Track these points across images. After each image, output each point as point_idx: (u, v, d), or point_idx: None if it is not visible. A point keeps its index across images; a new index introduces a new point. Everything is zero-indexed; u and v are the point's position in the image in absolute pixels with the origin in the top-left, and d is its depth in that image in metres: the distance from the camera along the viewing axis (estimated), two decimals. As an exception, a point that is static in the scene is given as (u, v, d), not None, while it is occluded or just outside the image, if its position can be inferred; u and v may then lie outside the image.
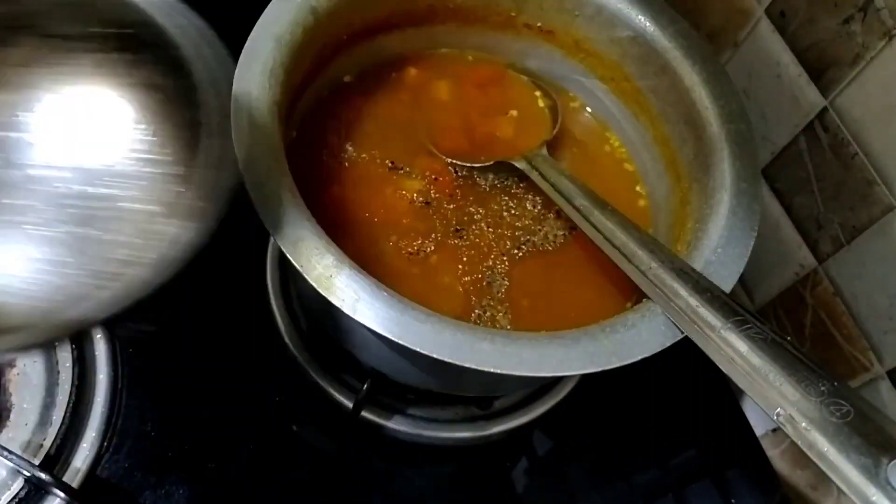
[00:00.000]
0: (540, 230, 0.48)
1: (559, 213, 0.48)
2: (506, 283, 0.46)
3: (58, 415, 0.47)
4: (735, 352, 0.34)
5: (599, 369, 0.35)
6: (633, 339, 0.36)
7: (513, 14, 0.53)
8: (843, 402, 0.31)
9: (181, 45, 0.33)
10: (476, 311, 0.44)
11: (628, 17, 0.49)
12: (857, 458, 0.29)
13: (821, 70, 0.52)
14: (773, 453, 0.63)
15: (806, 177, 0.55)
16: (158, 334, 0.52)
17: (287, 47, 0.42)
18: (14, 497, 0.44)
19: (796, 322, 0.59)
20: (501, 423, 0.53)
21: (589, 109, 0.55)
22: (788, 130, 0.55)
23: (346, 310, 0.34)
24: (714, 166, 0.44)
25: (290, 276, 0.54)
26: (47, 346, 0.48)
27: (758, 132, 0.57)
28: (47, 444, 0.46)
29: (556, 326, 0.38)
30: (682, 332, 0.37)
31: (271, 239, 0.47)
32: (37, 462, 0.45)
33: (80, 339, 0.50)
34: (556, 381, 0.55)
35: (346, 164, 0.48)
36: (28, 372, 0.48)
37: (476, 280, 0.45)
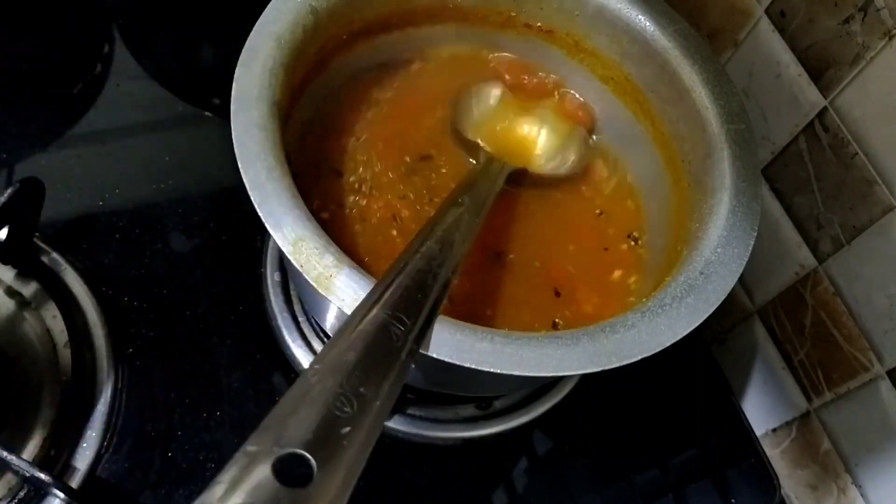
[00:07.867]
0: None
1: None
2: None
3: (58, 415, 0.47)
4: None
5: (599, 369, 0.35)
6: (633, 339, 0.36)
7: (513, 14, 0.53)
8: None
9: None
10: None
11: (628, 17, 0.49)
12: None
13: (821, 70, 0.52)
14: (773, 453, 0.63)
15: (806, 177, 0.55)
16: (158, 335, 0.52)
17: (287, 47, 0.42)
18: (14, 497, 0.44)
19: (796, 322, 0.59)
20: (501, 423, 0.53)
21: (588, 109, 0.55)
22: (788, 130, 0.55)
23: (347, 310, 0.34)
24: (714, 166, 0.44)
25: (290, 276, 0.54)
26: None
27: (758, 132, 0.57)
28: (47, 444, 0.46)
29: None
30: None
31: (271, 239, 0.47)
32: (37, 462, 0.45)
33: (80, 338, 0.50)
34: (556, 381, 0.55)
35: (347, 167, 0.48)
36: (28, 372, 0.48)
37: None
